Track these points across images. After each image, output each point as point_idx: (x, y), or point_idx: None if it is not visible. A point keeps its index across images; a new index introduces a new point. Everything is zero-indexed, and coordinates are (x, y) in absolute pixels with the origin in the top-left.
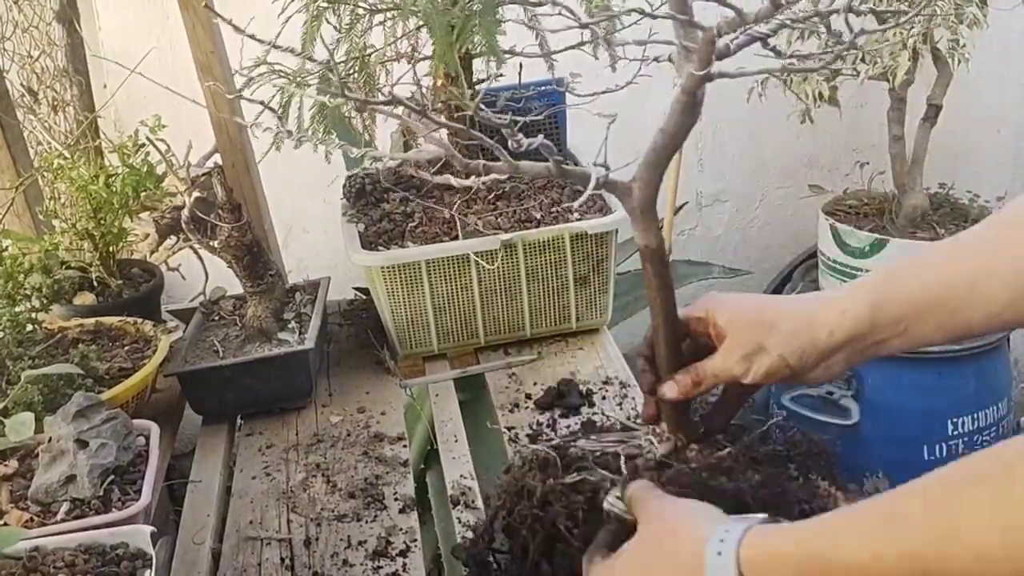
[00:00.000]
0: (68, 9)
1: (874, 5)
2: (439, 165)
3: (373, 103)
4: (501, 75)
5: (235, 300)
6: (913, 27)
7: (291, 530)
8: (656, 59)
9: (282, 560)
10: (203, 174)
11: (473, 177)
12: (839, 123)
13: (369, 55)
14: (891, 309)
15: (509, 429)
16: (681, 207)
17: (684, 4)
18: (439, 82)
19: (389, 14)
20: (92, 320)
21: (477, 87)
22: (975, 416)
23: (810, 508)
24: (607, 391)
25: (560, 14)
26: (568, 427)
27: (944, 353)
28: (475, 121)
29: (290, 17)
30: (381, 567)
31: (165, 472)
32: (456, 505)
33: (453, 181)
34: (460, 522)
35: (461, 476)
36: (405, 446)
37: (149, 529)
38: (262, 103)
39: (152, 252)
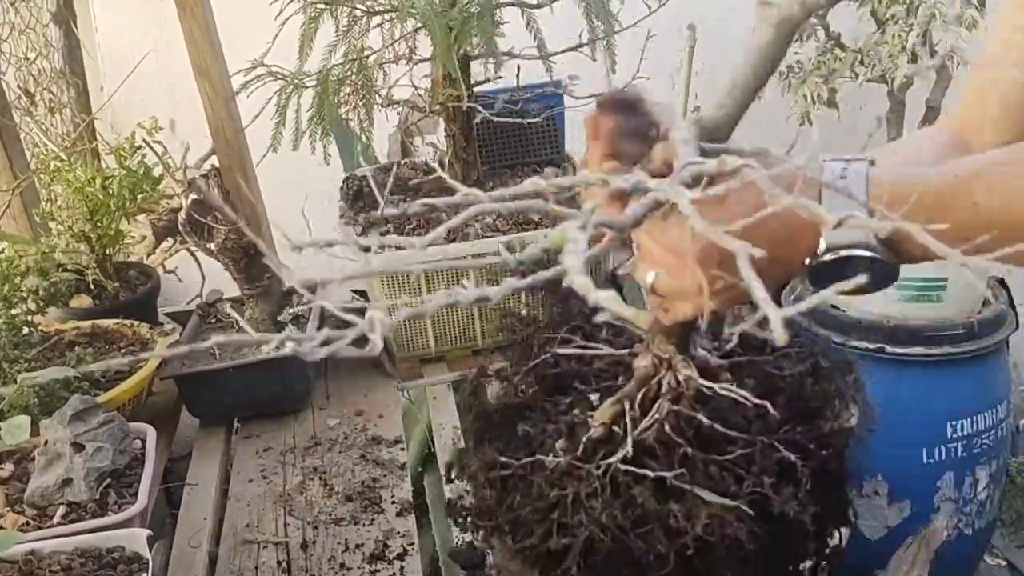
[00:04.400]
0: (65, 11)
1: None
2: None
3: None
4: (500, 76)
5: (232, 303)
6: (912, 29)
7: (288, 533)
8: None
9: (279, 563)
10: (200, 176)
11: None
12: (838, 125)
13: (367, 57)
14: None
15: None
16: None
17: None
18: (437, 84)
19: (387, 16)
20: (88, 323)
21: (475, 88)
22: (974, 419)
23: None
24: None
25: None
26: None
27: (943, 355)
28: (473, 123)
29: (288, 19)
30: (378, 570)
31: (162, 475)
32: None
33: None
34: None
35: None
36: (403, 449)
37: (145, 532)
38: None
39: (149, 254)
